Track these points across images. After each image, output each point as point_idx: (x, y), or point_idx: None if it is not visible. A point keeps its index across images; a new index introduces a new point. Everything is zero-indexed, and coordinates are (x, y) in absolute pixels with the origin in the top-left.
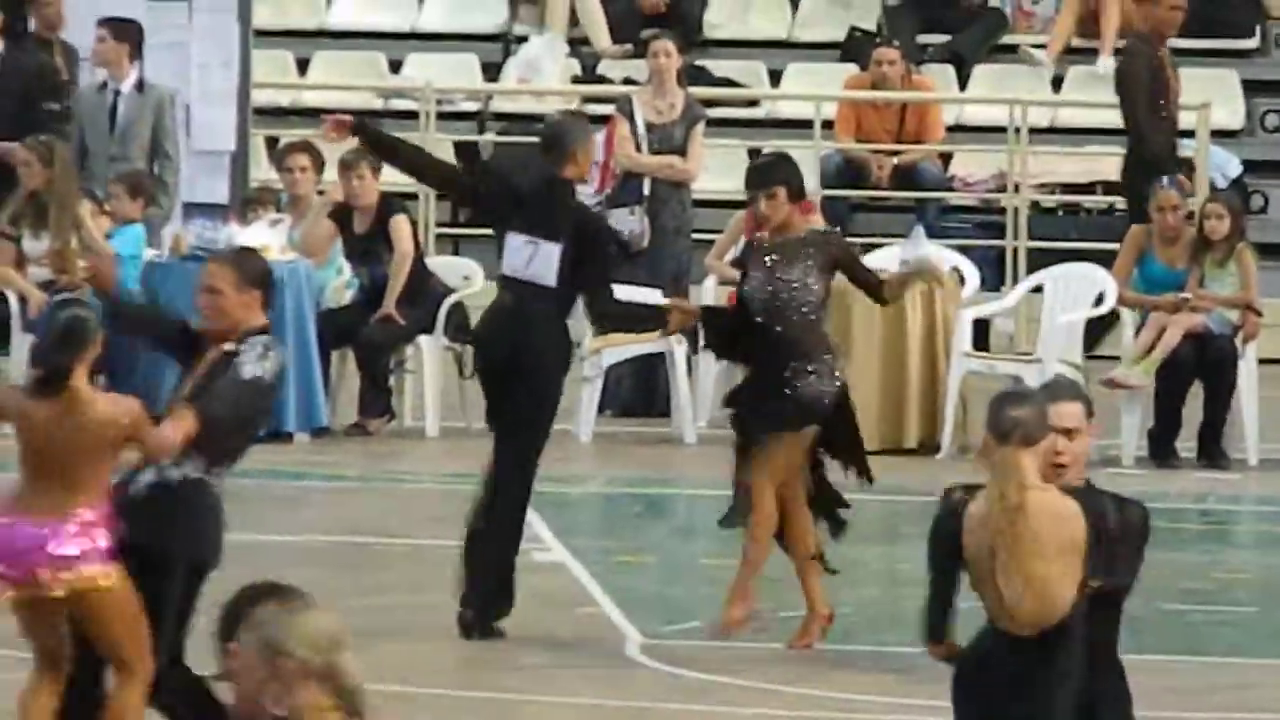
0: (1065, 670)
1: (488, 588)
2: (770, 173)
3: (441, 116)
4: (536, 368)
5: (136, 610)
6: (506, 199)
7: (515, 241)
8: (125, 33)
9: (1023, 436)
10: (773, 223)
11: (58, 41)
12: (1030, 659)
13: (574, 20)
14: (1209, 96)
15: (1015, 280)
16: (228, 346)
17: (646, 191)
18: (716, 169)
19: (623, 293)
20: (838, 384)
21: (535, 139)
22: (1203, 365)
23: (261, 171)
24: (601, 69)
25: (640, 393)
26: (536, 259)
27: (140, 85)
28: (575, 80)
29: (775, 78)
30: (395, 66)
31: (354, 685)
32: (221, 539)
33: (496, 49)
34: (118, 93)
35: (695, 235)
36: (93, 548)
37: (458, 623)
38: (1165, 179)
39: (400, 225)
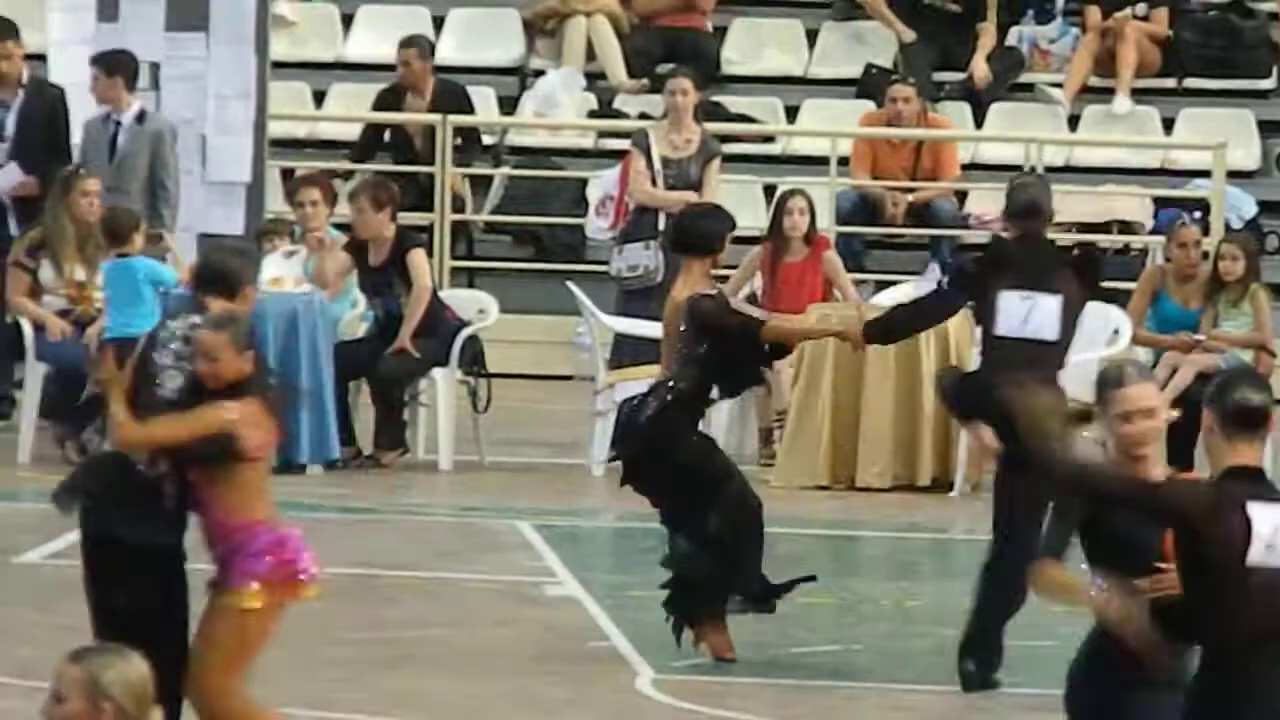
0: None
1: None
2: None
3: (458, 149)
4: None
5: None
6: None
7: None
8: (117, 66)
9: None
10: None
11: None
12: None
13: (590, 55)
14: (1225, 137)
15: None
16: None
17: (661, 226)
18: (732, 205)
19: (634, 327)
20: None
21: (551, 173)
22: None
23: (277, 203)
24: (618, 103)
25: None
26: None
27: (141, 117)
28: (591, 114)
29: (791, 114)
30: None
31: None
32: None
33: (513, 82)
34: (118, 124)
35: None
36: None
37: (959, 674)
38: (1185, 216)
39: (417, 259)
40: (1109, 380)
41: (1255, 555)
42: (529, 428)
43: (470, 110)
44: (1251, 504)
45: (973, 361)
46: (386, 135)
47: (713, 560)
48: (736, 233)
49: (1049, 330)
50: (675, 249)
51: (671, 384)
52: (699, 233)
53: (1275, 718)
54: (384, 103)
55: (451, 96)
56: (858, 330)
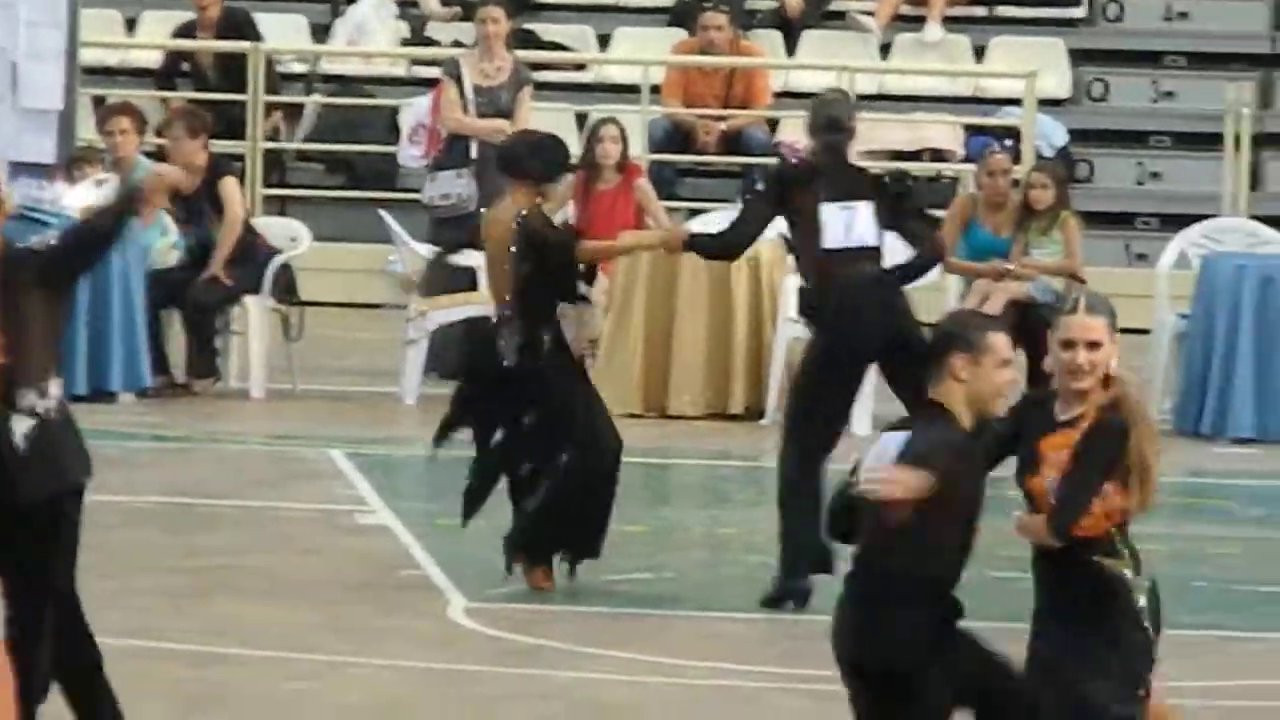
0: None
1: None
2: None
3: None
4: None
5: None
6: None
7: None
8: None
9: None
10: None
11: None
12: None
13: None
14: (1036, 65)
15: None
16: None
17: (474, 154)
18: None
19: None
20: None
21: (363, 101)
22: (1026, 333)
23: (89, 131)
24: (429, 31)
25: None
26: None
27: None
28: (404, 43)
29: (604, 42)
30: None
31: None
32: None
33: (325, 10)
34: None
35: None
36: None
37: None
38: (996, 144)
39: (230, 187)
40: (1062, 305)
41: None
42: (341, 356)
43: (255, 36)
44: (887, 433)
45: (785, 290)
46: (185, 66)
47: (555, 513)
48: None
49: (870, 236)
50: (506, 173)
51: (508, 313)
52: (535, 159)
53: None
54: (182, 34)
55: (236, 23)
56: (678, 237)
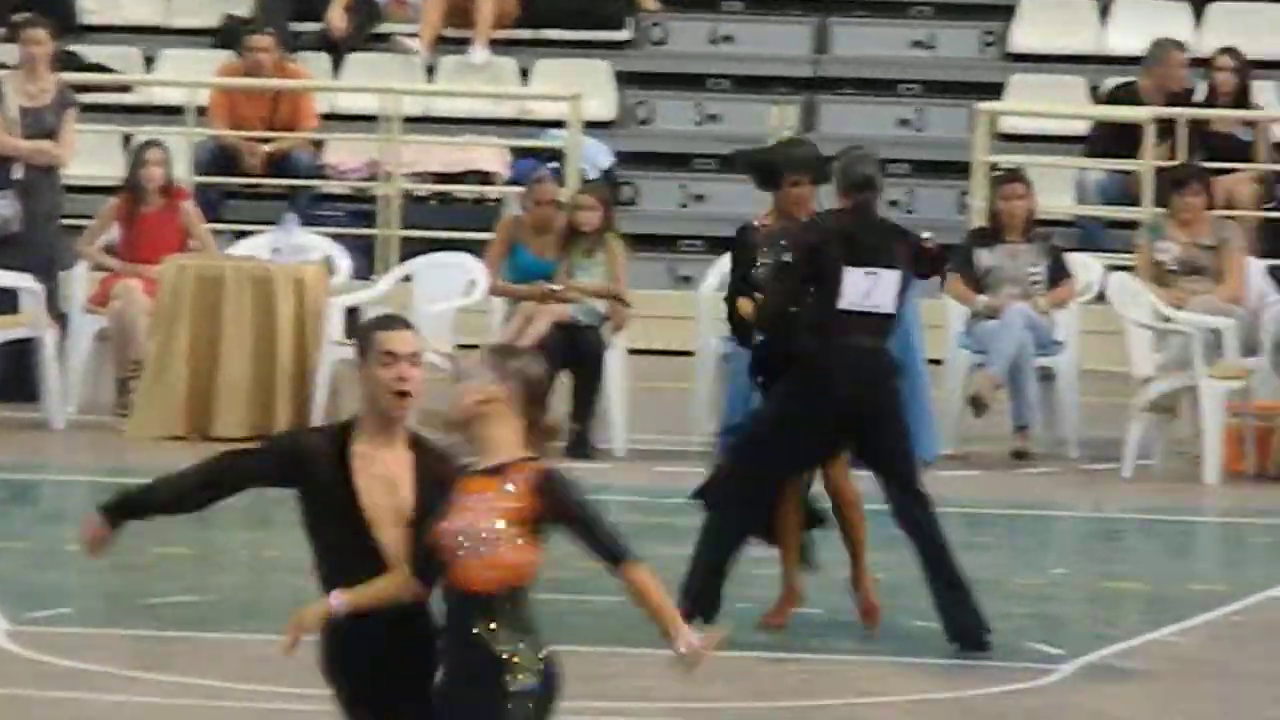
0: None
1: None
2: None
3: None
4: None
5: None
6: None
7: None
8: None
9: None
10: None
11: None
12: None
13: None
14: (581, 88)
15: (388, 269)
16: None
17: (18, 176)
18: (89, 154)
19: None
20: None
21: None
22: (570, 355)
23: None
24: None
25: (10, 378)
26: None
27: None
28: None
29: (150, 63)
30: None
31: None
32: None
33: None
34: None
35: (66, 221)
36: None
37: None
38: (545, 170)
39: None
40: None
41: None
42: None
43: None
44: None
45: (330, 313)
46: None
47: None
48: (93, 182)
49: (888, 303)
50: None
51: None
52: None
53: None
54: None
55: None
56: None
